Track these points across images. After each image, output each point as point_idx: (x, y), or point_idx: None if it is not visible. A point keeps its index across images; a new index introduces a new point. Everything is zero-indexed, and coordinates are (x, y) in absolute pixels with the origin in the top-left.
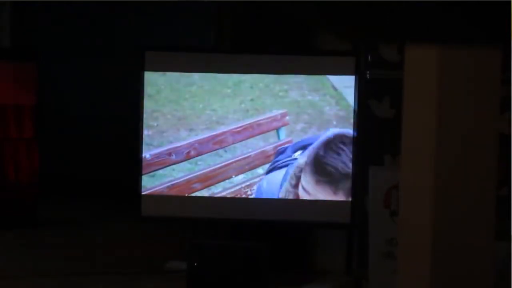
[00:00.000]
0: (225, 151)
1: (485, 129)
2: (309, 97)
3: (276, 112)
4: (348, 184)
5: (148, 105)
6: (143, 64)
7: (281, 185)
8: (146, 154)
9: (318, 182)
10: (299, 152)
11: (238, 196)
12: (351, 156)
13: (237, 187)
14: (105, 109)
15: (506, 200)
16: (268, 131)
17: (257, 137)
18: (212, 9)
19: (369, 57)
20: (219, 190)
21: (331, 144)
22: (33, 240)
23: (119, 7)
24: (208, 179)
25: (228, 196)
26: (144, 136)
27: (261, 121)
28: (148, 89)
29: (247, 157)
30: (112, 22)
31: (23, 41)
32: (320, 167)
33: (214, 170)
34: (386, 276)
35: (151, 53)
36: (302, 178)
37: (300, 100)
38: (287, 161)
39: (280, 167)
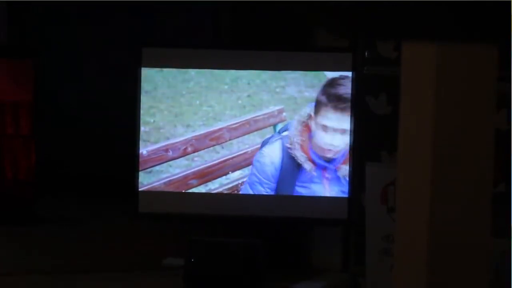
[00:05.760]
0: (222, 148)
1: (482, 126)
2: (306, 93)
3: (273, 108)
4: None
5: (145, 101)
6: (140, 60)
7: (282, 151)
8: (143, 150)
9: (341, 110)
10: (286, 132)
11: (236, 192)
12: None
13: (234, 183)
14: (102, 106)
15: (503, 197)
16: (265, 127)
17: (254, 133)
18: (209, 6)
19: (366, 53)
20: (216, 186)
21: (333, 83)
22: (31, 237)
23: (116, 3)
24: (205, 175)
25: (225, 192)
26: (141, 133)
27: (258, 118)
28: (145, 86)
29: (244, 153)
30: (109, 18)
31: (20, 38)
32: (336, 97)
33: (211, 166)
34: (383, 273)
35: (148, 49)
36: (319, 119)
37: (297, 96)
38: (277, 139)
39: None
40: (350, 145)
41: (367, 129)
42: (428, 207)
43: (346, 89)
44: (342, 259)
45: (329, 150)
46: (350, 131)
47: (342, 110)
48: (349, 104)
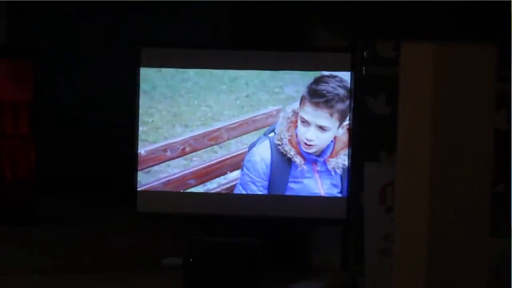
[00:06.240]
0: (220, 147)
1: (481, 126)
2: (305, 94)
3: (271, 108)
4: (339, 106)
5: (143, 101)
6: (138, 60)
7: (271, 148)
8: (141, 150)
9: (316, 104)
10: (272, 134)
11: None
12: (338, 83)
13: (232, 183)
14: (102, 106)
15: (502, 196)
16: (263, 127)
17: (252, 133)
18: (208, 6)
19: (366, 53)
20: (215, 186)
21: (319, 80)
22: (31, 237)
23: (116, 3)
24: (203, 175)
25: (223, 192)
26: (139, 132)
27: (256, 118)
28: (143, 86)
29: (242, 153)
30: (109, 18)
31: (20, 38)
32: (315, 92)
33: (209, 166)
34: (382, 272)
35: (147, 49)
36: (300, 113)
37: (296, 97)
38: (263, 140)
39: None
40: (349, 144)
41: (366, 129)
42: (427, 207)
43: (326, 87)
44: (341, 259)
45: (309, 145)
46: (349, 130)
47: (316, 104)
48: (325, 100)
